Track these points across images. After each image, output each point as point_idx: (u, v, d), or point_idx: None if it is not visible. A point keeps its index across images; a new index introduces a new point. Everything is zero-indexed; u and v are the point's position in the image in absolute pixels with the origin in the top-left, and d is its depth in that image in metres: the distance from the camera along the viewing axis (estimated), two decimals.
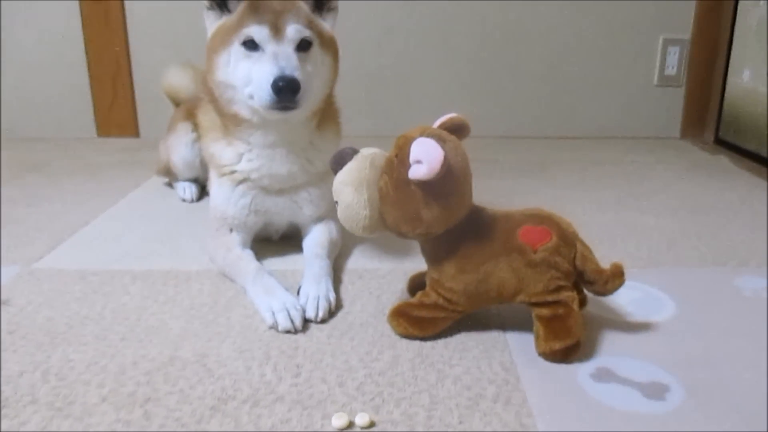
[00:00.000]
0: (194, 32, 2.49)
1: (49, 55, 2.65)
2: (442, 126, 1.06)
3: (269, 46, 1.22)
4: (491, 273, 1.04)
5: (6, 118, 2.70)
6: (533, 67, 2.73)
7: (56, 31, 2.62)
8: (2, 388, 0.94)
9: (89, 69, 2.67)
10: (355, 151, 1.07)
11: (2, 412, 0.89)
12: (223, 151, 1.36)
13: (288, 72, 1.18)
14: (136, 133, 2.75)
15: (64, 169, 2.23)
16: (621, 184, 2.08)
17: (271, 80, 1.18)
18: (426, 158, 0.95)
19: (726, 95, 2.56)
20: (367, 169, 1.04)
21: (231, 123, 1.33)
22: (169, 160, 1.86)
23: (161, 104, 2.08)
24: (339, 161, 1.07)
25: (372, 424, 0.86)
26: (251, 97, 1.24)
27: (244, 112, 1.29)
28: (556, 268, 1.03)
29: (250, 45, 1.23)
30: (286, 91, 1.18)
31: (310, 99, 1.26)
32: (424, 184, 0.98)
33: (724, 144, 2.58)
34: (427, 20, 2.65)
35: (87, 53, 2.65)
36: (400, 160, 1.01)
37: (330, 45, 1.33)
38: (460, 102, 2.68)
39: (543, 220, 1.07)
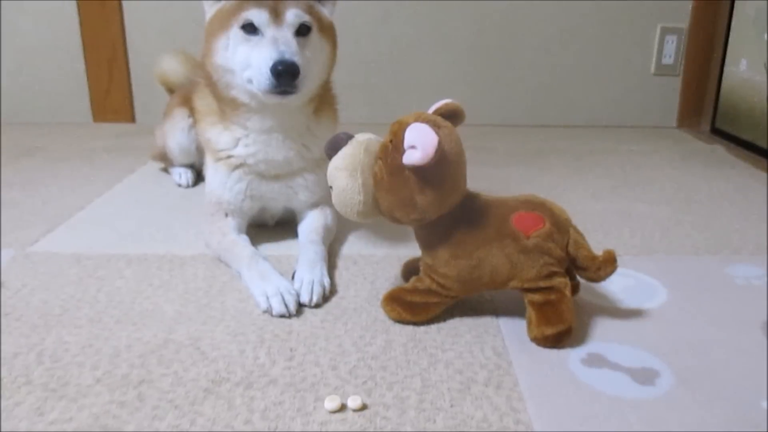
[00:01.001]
0: (190, 18, 2.51)
1: (45, 40, 2.63)
2: (437, 112, 1.06)
3: (268, 31, 1.22)
4: (484, 259, 1.04)
5: (2, 102, 2.69)
6: (530, 55, 2.73)
7: (52, 17, 2.60)
8: None
9: (85, 55, 2.66)
10: (349, 137, 1.07)
11: None
12: (219, 136, 1.36)
13: (288, 56, 1.18)
14: (131, 119, 2.74)
15: (60, 153, 2.23)
16: (616, 173, 2.09)
17: (270, 64, 1.18)
18: (420, 144, 0.95)
19: (723, 85, 2.56)
20: (361, 154, 1.04)
21: (228, 107, 1.33)
22: (165, 146, 1.86)
23: (157, 90, 2.08)
24: (334, 146, 1.07)
25: (364, 407, 0.87)
26: (250, 81, 1.24)
27: (242, 97, 1.29)
28: (548, 255, 1.03)
29: (249, 29, 1.23)
30: (285, 75, 1.18)
31: (308, 84, 1.26)
32: (418, 170, 0.99)
33: (720, 133, 2.58)
34: (424, 7, 2.64)
35: (83, 39, 2.64)
36: (394, 145, 1.01)
37: (329, 31, 1.33)
38: (456, 90, 2.69)
39: (536, 206, 1.07)
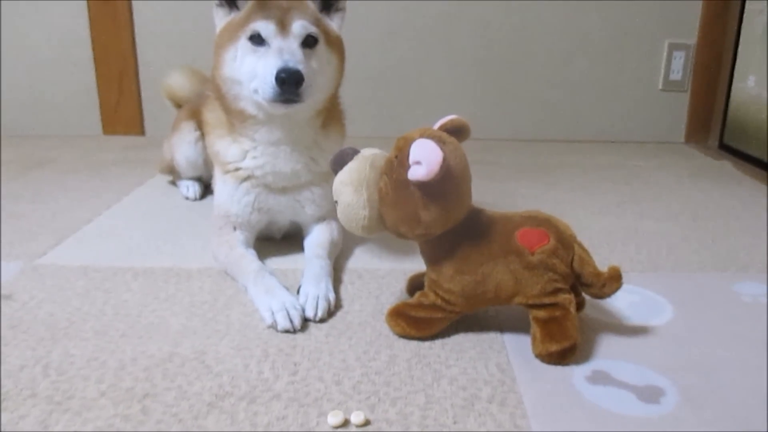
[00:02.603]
0: (200, 32, 2.53)
1: (56, 53, 2.67)
2: (443, 128, 1.06)
3: (275, 41, 1.23)
4: (489, 274, 1.04)
5: (13, 114, 2.72)
6: (538, 70, 2.74)
7: (64, 30, 2.64)
8: (3, 382, 0.95)
9: (96, 68, 2.69)
10: (355, 152, 1.08)
11: (2, 406, 0.90)
12: (228, 148, 1.37)
13: (291, 64, 1.19)
14: (141, 132, 2.76)
15: (69, 166, 2.25)
16: (623, 189, 2.09)
17: (274, 72, 1.19)
18: (425, 159, 0.95)
19: (731, 101, 2.56)
20: (367, 169, 1.04)
21: (237, 119, 1.34)
22: (173, 159, 1.87)
23: (166, 103, 2.10)
24: (339, 161, 1.08)
25: (367, 423, 0.87)
26: (256, 91, 1.25)
27: (249, 108, 1.30)
28: (553, 271, 1.03)
29: (257, 40, 1.24)
30: (289, 83, 1.19)
31: (313, 94, 1.27)
32: (423, 185, 0.99)
33: (728, 149, 2.58)
34: (432, 22, 2.65)
35: (94, 52, 2.67)
36: (399, 161, 1.02)
37: (336, 44, 1.34)
38: (463, 104, 2.70)
39: (541, 222, 1.07)
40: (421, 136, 1.01)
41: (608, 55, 2.72)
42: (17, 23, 2.62)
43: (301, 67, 1.20)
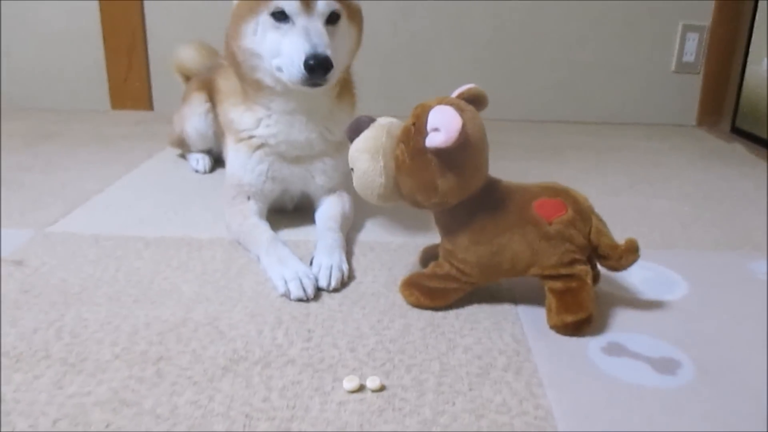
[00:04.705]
0: (210, 6, 2.51)
1: (65, 27, 2.65)
2: (460, 96, 1.06)
3: (299, 20, 1.21)
4: (505, 245, 1.03)
5: (21, 88, 2.71)
6: (550, 51, 2.71)
7: (73, 4, 2.61)
8: (16, 344, 0.95)
9: (105, 42, 2.67)
10: (371, 120, 1.07)
11: (16, 366, 0.89)
12: (242, 117, 1.36)
13: (321, 50, 1.18)
14: (149, 107, 2.75)
15: (79, 138, 2.24)
16: (635, 169, 2.07)
17: (303, 58, 1.17)
18: (444, 126, 0.94)
19: (744, 84, 2.54)
20: (383, 137, 1.03)
21: (252, 88, 1.33)
22: (183, 131, 1.86)
23: (175, 78, 2.09)
24: (355, 129, 1.07)
25: (382, 388, 0.87)
26: (279, 69, 1.23)
27: (267, 80, 1.29)
28: (570, 242, 1.02)
29: (279, 16, 1.22)
30: (318, 69, 1.17)
31: (337, 74, 1.26)
32: (440, 153, 0.98)
33: (740, 132, 2.56)
34: (443, 2, 2.63)
35: (103, 27, 2.65)
36: (417, 128, 1.00)
37: (356, 16, 1.33)
38: (475, 84, 2.67)
39: (559, 192, 1.07)
40: (439, 103, 1.00)
41: (621, 36, 2.69)
42: None
43: (329, 51, 1.19)
